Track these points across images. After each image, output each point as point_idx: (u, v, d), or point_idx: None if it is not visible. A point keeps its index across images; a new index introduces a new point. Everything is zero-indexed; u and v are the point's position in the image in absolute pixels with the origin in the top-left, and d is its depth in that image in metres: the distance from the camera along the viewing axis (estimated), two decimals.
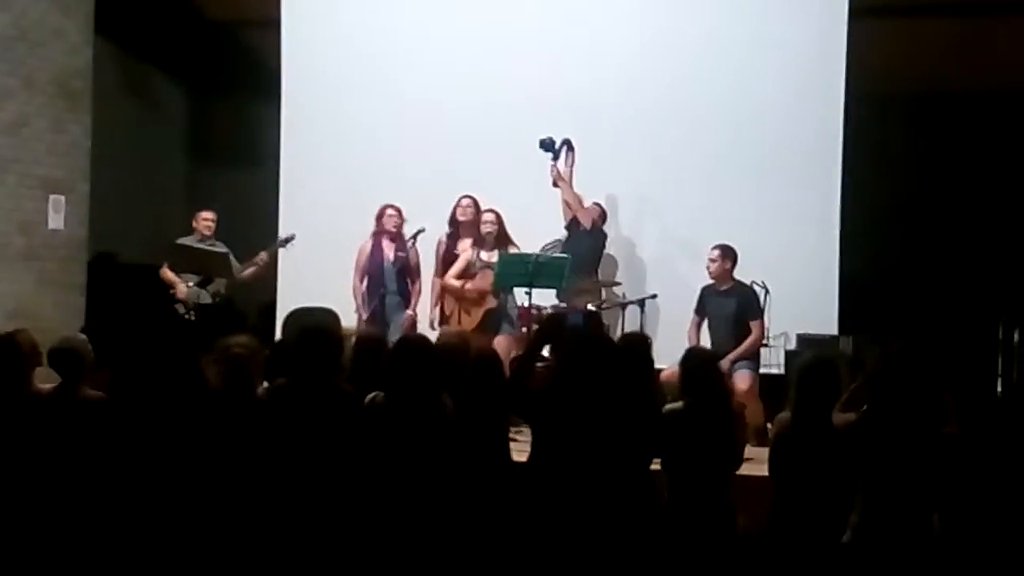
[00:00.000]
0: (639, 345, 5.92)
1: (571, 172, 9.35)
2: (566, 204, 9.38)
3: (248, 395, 5.47)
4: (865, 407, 4.88)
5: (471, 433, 5.41)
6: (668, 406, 5.54)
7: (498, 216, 9.01)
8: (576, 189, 9.42)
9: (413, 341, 5.63)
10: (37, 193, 10.10)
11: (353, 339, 6.17)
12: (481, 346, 6.20)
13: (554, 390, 5.28)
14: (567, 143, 9.26)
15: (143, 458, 5.37)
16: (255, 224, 10.54)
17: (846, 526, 4.85)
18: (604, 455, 5.15)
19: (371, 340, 6.16)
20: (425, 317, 9.25)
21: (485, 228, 8.95)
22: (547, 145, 9.20)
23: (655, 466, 5.44)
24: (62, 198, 10.28)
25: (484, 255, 8.90)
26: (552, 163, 9.26)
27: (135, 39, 11.42)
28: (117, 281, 10.93)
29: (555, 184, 9.33)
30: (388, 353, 5.51)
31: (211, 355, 5.59)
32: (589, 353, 5.26)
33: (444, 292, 9.00)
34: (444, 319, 8.97)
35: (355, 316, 9.10)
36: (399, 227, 9.21)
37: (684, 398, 5.51)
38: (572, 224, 9.37)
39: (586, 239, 9.26)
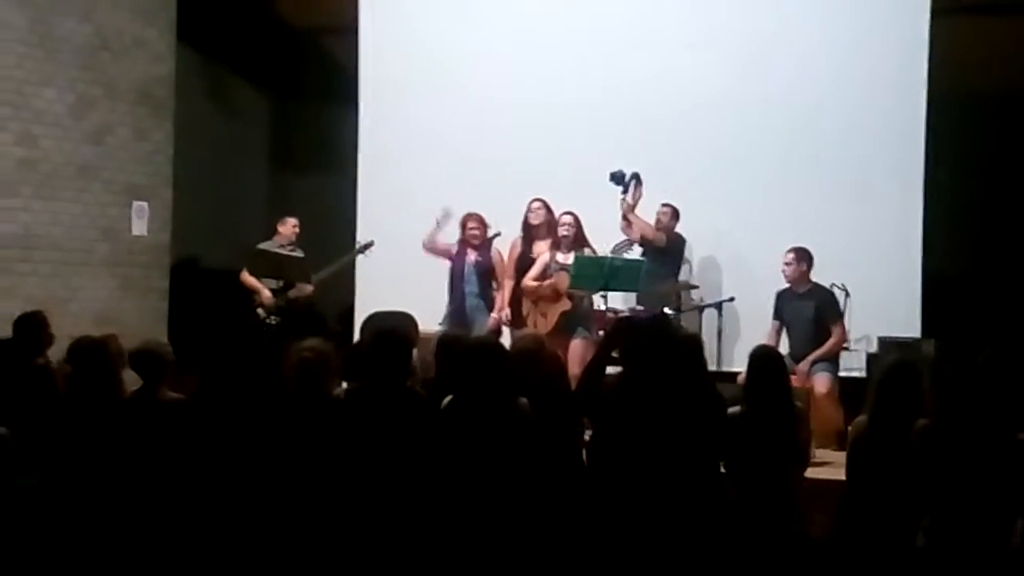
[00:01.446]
0: (690, 345, 5.84)
1: (638, 203, 9.28)
2: (640, 233, 9.33)
3: (317, 398, 5.50)
4: (939, 412, 4.81)
5: (544, 437, 5.41)
6: (731, 409, 5.51)
7: (576, 218, 9.00)
8: (655, 192, 9.39)
9: (485, 344, 5.63)
10: (121, 199, 10.27)
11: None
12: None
13: (620, 392, 5.26)
14: (636, 176, 9.17)
15: (221, 459, 5.43)
16: (334, 230, 10.61)
17: (917, 531, 4.78)
18: (671, 456, 5.12)
19: (451, 342, 6.16)
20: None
21: (562, 231, 8.95)
22: (617, 179, 9.14)
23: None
24: (145, 204, 10.44)
25: (560, 257, 8.88)
26: (622, 196, 9.19)
27: (216, 46, 11.55)
28: (199, 286, 11.05)
29: (625, 217, 9.28)
30: (461, 356, 5.50)
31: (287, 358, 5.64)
32: (650, 355, 5.25)
33: (522, 294, 9.01)
34: (520, 321, 8.96)
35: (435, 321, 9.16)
36: (480, 237, 9.23)
37: (744, 400, 5.48)
38: (645, 242, 9.33)
39: (661, 255, 9.21)
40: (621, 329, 5.79)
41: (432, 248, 9.42)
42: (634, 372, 5.28)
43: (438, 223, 9.42)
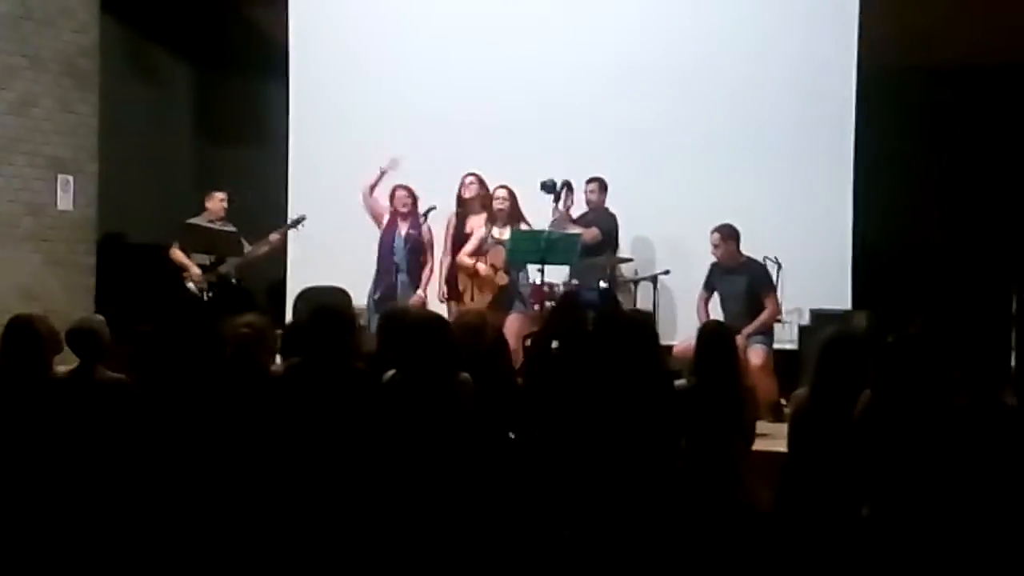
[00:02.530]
0: (644, 322, 5.86)
1: (569, 211, 9.20)
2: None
3: (254, 374, 5.44)
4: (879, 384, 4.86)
5: (488, 410, 5.40)
6: (677, 382, 5.52)
7: (510, 192, 8.96)
8: (587, 166, 9.37)
9: (430, 319, 5.59)
10: (45, 173, 10.08)
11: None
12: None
13: (569, 367, 5.26)
14: (567, 185, 9.06)
15: (160, 438, 5.36)
16: (264, 203, 10.48)
17: (862, 503, 4.83)
18: (617, 432, 5.13)
19: (393, 317, 6.11)
20: (434, 295, 9.21)
21: (497, 205, 8.91)
22: (548, 187, 9.00)
23: None
24: (70, 178, 10.26)
25: (496, 232, 8.85)
26: (554, 205, 9.06)
27: (142, 17, 11.37)
28: (126, 261, 10.89)
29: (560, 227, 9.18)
30: (404, 331, 5.47)
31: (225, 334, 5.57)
32: (606, 331, 5.24)
33: (457, 269, 8.96)
34: (457, 297, 8.93)
35: (368, 295, 9.08)
36: (410, 207, 9.16)
37: (694, 374, 5.49)
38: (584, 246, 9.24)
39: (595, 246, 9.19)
40: (569, 304, 5.79)
41: (371, 204, 9.28)
42: (579, 347, 5.28)
43: (382, 172, 9.28)
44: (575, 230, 8.94)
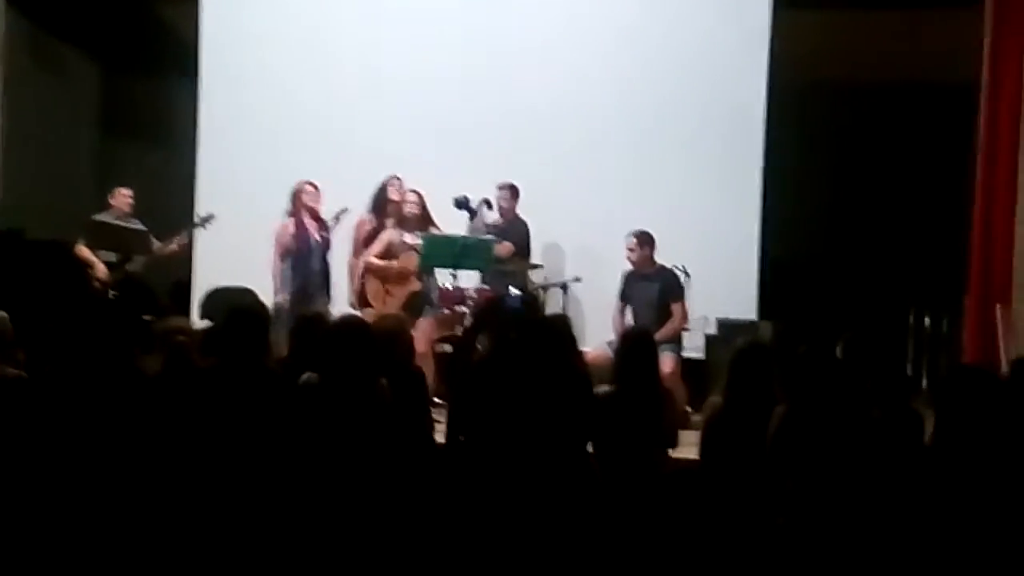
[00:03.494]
0: (562, 327, 5.88)
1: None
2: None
3: (189, 380, 5.38)
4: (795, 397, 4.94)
5: (403, 416, 5.40)
6: (597, 388, 5.56)
7: (420, 197, 8.96)
8: (498, 171, 9.41)
9: (352, 323, 5.58)
10: None
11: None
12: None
13: (491, 372, 5.28)
14: (486, 202, 9.05)
15: (66, 440, 5.25)
16: (173, 202, 10.36)
17: (776, 512, 4.90)
18: (539, 437, 5.15)
19: (311, 320, 6.08)
20: (342, 298, 9.16)
21: (408, 208, 8.90)
22: (461, 204, 8.94)
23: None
24: None
25: (407, 237, 8.83)
26: (471, 223, 9.04)
27: (46, 12, 11.14)
28: (25, 258, 10.66)
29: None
30: (326, 334, 5.44)
31: (144, 339, 5.51)
32: (530, 336, 5.27)
33: (367, 273, 8.91)
34: (365, 301, 8.88)
35: (272, 296, 8.98)
36: (317, 204, 9.10)
37: (615, 380, 5.53)
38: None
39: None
40: (492, 309, 5.81)
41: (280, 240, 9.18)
42: (501, 351, 5.30)
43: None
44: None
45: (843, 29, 9.98)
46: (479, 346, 5.67)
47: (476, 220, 9.00)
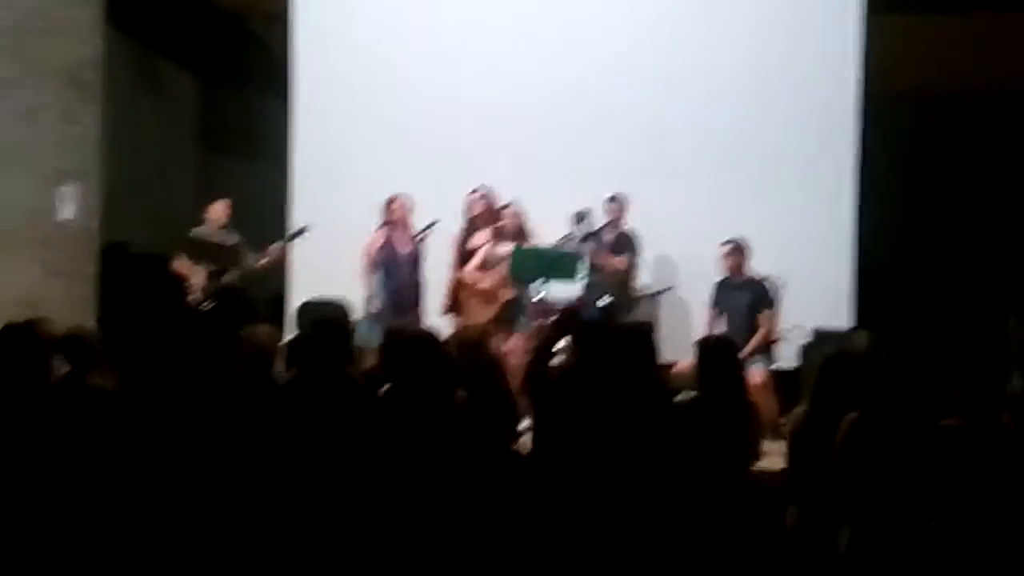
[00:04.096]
0: (639, 335, 5.82)
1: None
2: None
3: (267, 383, 5.47)
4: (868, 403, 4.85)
5: (482, 427, 5.39)
6: (679, 396, 5.51)
7: (518, 209, 8.96)
8: (594, 182, 9.44)
9: (423, 335, 5.59)
10: (47, 183, 10.03)
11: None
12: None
13: (568, 383, 5.26)
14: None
15: (155, 447, 5.34)
16: (267, 215, 10.48)
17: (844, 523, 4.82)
18: (614, 447, 5.11)
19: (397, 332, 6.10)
20: (435, 310, 9.20)
21: (505, 221, 8.90)
22: (583, 217, 9.11)
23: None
24: (72, 188, 10.23)
25: (502, 248, 8.83)
26: (578, 237, 9.08)
27: (146, 29, 11.36)
28: (128, 271, 10.87)
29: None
30: (400, 346, 5.46)
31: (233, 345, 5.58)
32: (602, 345, 5.24)
33: (459, 285, 8.93)
34: (459, 312, 8.89)
35: (364, 308, 9.06)
36: (409, 217, 9.16)
37: (698, 389, 5.47)
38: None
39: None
40: (569, 319, 5.79)
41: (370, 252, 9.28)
42: (581, 362, 5.27)
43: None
44: (605, 261, 9.07)
45: (936, 34, 9.86)
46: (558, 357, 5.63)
47: (582, 230, 9.03)
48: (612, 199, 9.36)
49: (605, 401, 5.13)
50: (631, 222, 9.45)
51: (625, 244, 9.31)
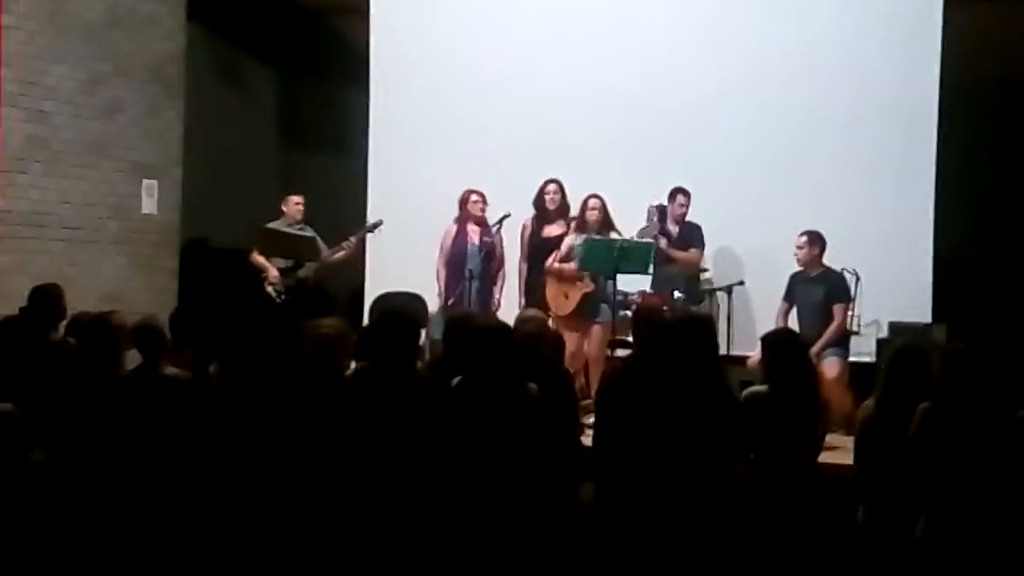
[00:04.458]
0: (699, 328, 5.76)
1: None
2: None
3: (333, 375, 5.50)
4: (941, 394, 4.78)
5: (550, 420, 5.40)
6: (750, 389, 5.48)
7: (602, 201, 8.94)
8: (666, 175, 9.45)
9: (494, 327, 5.59)
10: (131, 178, 10.24)
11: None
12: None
13: (628, 376, 5.26)
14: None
15: (229, 436, 5.40)
16: (344, 209, 10.60)
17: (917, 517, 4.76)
18: (674, 442, 5.09)
19: (460, 322, 6.12)
20: (509, 303, 9.22)
21: (589, 214, 8.89)
22: (662, 211, 9.18)
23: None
24: (155, 183, 10.42)
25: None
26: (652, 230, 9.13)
27: (227, 25, 11.49)
28: (209, 265, 11.02)
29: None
30: (471, 337, 5.46)
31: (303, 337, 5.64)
32: (663, 338, 5.23)
33: (547, 276, 8.93)
34: (542, 304, 8.86)
35: (439, 301, 9.12)
36: (483, 212, 9.21)
37: (768, 381, 5.44)
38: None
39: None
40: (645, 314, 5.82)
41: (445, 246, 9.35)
42: (643, 355, 5.27)
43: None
44: (678, 255, 9.09)
45: (1017, 21, 9.63)
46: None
47: (656, 225, 9.03)
48: (679, 192, 9.34)
49: (665, 393, 5.11)
50: (707, 216, 9.39)
51: (693, 237, 9.30)
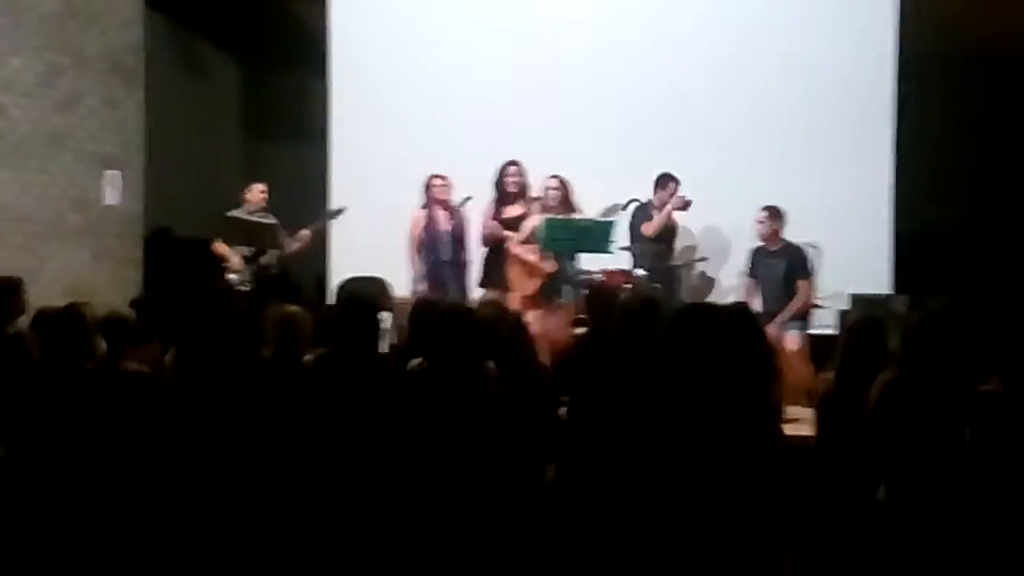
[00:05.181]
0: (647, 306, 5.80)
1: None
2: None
3: (293, 363, 5.51)
4: (902, 365, 4.82)
5: (511, 401, 5.43)
6: None
7: (562, 181, 8.96)
8: (626, 154, 9.52)
9: (454, 309, 5.63)
10: (92, 169, 10.17)
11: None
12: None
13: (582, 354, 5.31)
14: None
15: (191, 429, 5.41)
16: (308, 196, 10.58)
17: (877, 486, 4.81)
18: (631, 417, 5.13)
19: (423, 307, 6.15)
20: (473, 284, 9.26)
21: (550, 194, 8.91)
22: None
23: None
24: (117, 173, 10.36)
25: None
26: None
27: (186, 13, 11.46)
28: (173, 255, 11.00)
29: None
30: (431, 320, 5.50)
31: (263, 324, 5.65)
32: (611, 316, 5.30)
33: (509, 257, 8.97)
34: (505, 284, 8.91)
35: (410, 286, 9.13)
36: (448, 195, 9.22)
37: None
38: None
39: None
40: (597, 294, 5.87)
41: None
42: (594, 334, 5.33)
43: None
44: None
45: None
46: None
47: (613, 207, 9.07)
48: (669, 179, 9.31)
49: (614, 372, 5.16)
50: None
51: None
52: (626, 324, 5.28)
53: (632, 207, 9.09)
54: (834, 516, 5.07)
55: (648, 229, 9.02)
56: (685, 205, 9.07)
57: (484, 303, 6.40)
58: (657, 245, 9.10)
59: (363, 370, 5.41)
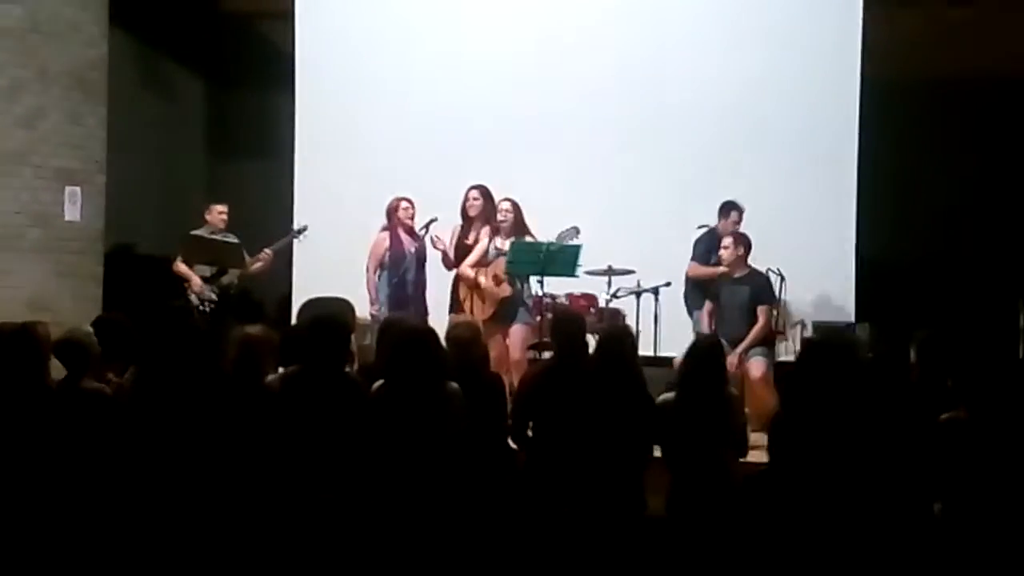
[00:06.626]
0: (617, 335, 5.86)
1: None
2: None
3: (257, 380, 5.49)
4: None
5: (476, 421, 5.44)
6: (661, 397, 5.55)
7: (514, 204, 8.92)
8: (588, 178, 9.51)
9: (416, 331, 5.62)
10: (53, 185, 10.05)
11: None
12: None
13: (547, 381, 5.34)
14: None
15: (152, 447, 5.37)
16: (271, 216, 10.55)
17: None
18: (600, 445, 5.17)
19: (390, 327, 6.13)
20: (438, 306, 9.21)
21: (501, 217, 8.89)
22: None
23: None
24: (78, 190, 10.25)
25: (500, 243, 8.83)
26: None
27: (151, 31, 11.41)
28: (134, 273, 10.92)
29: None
30: (391, 343, 5.50)
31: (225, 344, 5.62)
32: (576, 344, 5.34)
33: (460, 280, 8.95)
34: (458, 307, 8.91)
35: (368, 307, 9.08)
36: (412, 219, 9.18)
37: (680, 386, 5.51)
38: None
39: None
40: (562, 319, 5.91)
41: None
42: (561, 361, 5.36)
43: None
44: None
45: (936, 24, 9.83)
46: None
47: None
48: (732, 208, 9.13)
49: (581, 401, 5.20)
50: (630, 218, 9.46)
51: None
52: (605, 355, 5.31)
53: (701, 232, 9.11)
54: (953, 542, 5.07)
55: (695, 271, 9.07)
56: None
57: (458, 324, 6.41)
58: None
59: (332, 389, 5.40)
